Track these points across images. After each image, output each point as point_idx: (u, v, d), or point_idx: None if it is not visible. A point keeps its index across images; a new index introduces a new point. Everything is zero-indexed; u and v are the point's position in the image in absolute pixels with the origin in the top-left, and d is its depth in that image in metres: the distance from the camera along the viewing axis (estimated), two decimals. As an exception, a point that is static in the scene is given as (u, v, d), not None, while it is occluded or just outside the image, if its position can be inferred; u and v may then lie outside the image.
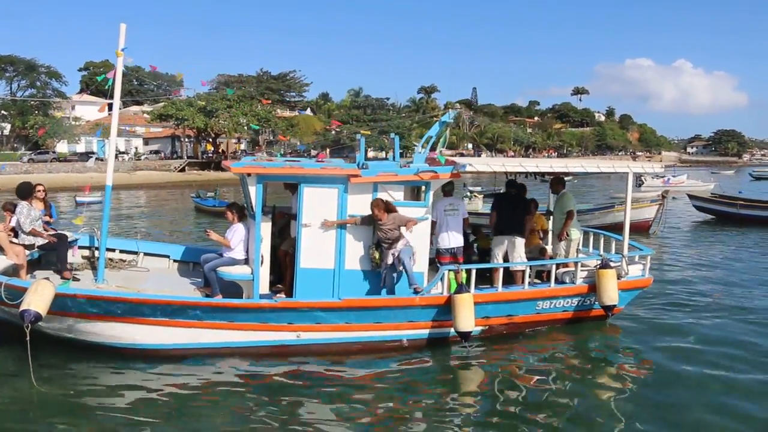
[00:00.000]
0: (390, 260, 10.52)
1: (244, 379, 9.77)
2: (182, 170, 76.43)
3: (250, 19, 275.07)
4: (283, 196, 12.18)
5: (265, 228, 10.76)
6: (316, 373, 9.95)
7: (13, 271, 10.66)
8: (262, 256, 10.64)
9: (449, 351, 10.88)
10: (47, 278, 9.93)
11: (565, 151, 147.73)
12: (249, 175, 10.56)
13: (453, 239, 11.44)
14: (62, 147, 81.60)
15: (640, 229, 25.65)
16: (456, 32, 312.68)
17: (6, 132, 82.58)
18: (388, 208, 10.45)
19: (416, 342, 10.92)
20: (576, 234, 12.25)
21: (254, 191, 10.54)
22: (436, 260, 11.51)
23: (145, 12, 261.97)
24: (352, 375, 9.96)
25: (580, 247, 12.85)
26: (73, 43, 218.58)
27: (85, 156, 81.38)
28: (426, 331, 10.92)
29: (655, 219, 26.77)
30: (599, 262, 11.65)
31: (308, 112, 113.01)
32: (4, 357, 10.26)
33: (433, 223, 11.20)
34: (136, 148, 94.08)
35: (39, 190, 11.60)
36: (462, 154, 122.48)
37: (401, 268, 10.49)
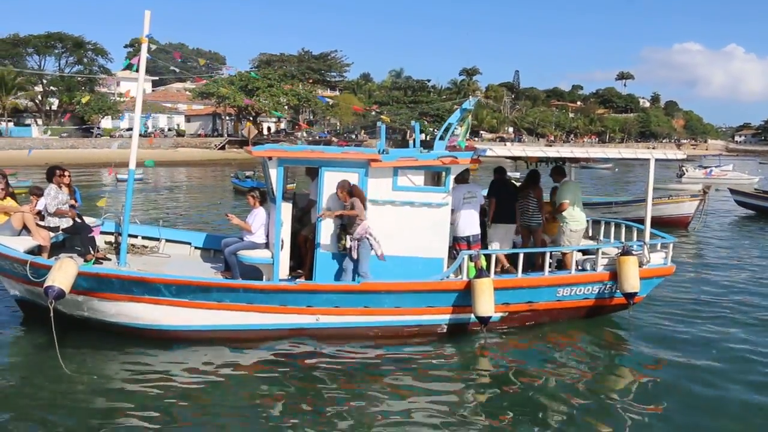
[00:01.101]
0: (349, 244, 10.54)
1: (266, 365, 9.88)
2: (222, 148, 77.29)
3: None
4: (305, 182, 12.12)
5: (286, 212, 10.83)
6: (333, 359, 10.04)
7: (38, 252, 10.91)
8: (282, 241, 10.76)
9: (466, 339, 10.88)
10: (71, 256, 10.14)
11: (607, 137, 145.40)
12: (270, 158, 10.64)
13: (470, 227, 11.45)
14: (107, 123, 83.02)
15: (679, 224, 24.89)
16: (499, 14, 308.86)
17: (54, 107, 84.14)
18: (352, 191, 10.46)
19: (435, 327, 10.99)
20: (576, 225, 11.97)
21: (275, 174, 10.63)
22: (453, 247, 11.45)
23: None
24: (367, 361, 10.01)
25: (600, 236, 12.95)
26: (120, 19, 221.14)
27: (128, 131, 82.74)
28: (446, 317, 10.92)
29: (695, 215, 25.74)
30: (620, 249, 11.50)
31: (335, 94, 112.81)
32: (33, 339, 10.57)
33: (452, 211, 11.16)
34: (178, 125, 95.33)
35: (65, 176, 11.77)
36: (502, 138, 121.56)
37: (355, 254, 10.47)
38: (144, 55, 10.71)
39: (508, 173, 13.05)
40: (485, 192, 12.36)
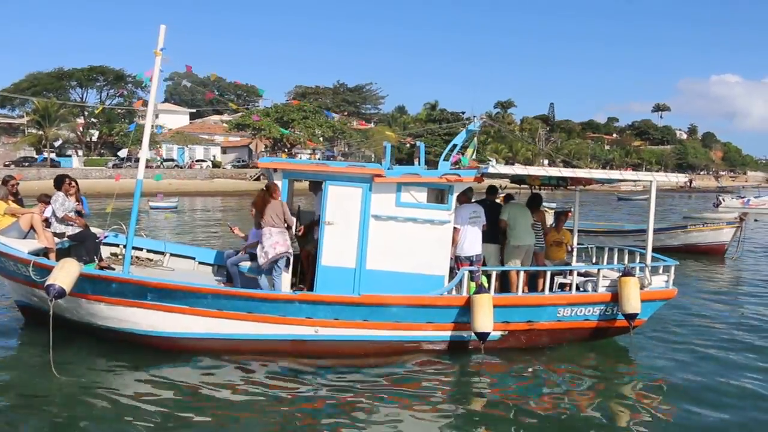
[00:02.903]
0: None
1: (261, 377, 9.85)
2: (258, 179, 77.96)
3: (329, 31, 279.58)
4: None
5: None
6: (330, 373, 10.02)
7: (43, 255, 11.12)
8: None
9: (465, 359, 10.78)
10: (74, 258, 10.34)
11: (643, 168, 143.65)
12: (275, 170, 10.81)
13: (474, 247, 11.41)
14: (149, 155, 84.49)
15: (716, 252, 24.36)
16: (534, 47, 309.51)
17: (94, 138, 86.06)
18: (273, 195, 10.63)
19: (435, 345, 10.92)
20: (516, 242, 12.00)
21: (280, 186, 10.74)
22: (456, 267, 11.38)
23: (223, 23, 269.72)
24: (364, 378, 9.92)
25: (603, 260, 13.11)
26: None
27: (170, 161, 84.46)
28: (446, 333, 10.85)
29: (732, 242, 25.02)
30: (621, 271, 11.39)
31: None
32: (29, 345, 10.79)
33: (456, 230, 11.13)
34: (214, 156, 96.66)
35: (72, 185, 11.99)
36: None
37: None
38: (157, 68, 10.79)
39: (544, 203, 12.99)
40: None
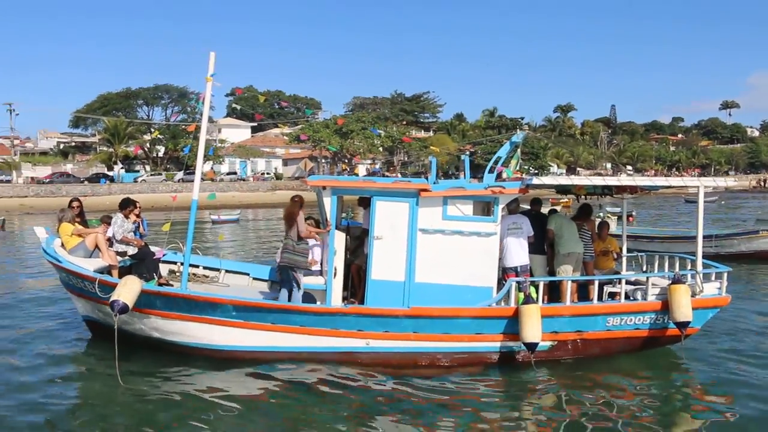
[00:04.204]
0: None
1: (315, 385, 10.10)
2: (319, 190, 78.73)
3: (386, 41, 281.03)
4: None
5: (339, 241, 11.18)
6: (380, 384, 10.18)
7: (106, 272, 11.80)
8: (335, 268, 11.00)
9: (515, 370, 10.76)
10: (135, 276, 11.00)
11: (712, 169, 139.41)
12: (324, 188, 11.08)
13: (517, 257, 11.43)
14: (207, 167, 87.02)
15: None
16: (595, 49, 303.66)
17: (161, 154, 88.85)
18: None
19: (484, 356, 10.95)
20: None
21: (329, 203, 11.00)
22: (503, 279, 11.45)
23: (282, 37, 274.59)
24: (413, 390, 9.99)
25: (655, 268, 12.87)
26: (222, 69, 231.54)
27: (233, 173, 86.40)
28: (495, 344, 10.89)
29: None
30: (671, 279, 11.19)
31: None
32: (97, 356, 11.32)
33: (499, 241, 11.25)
34: (276, 168, 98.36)
35: (136, 207, 12.66)
36: (600, 174, 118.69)
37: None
38: (209, 93, 11.29)
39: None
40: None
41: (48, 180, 75.01)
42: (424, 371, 10.65)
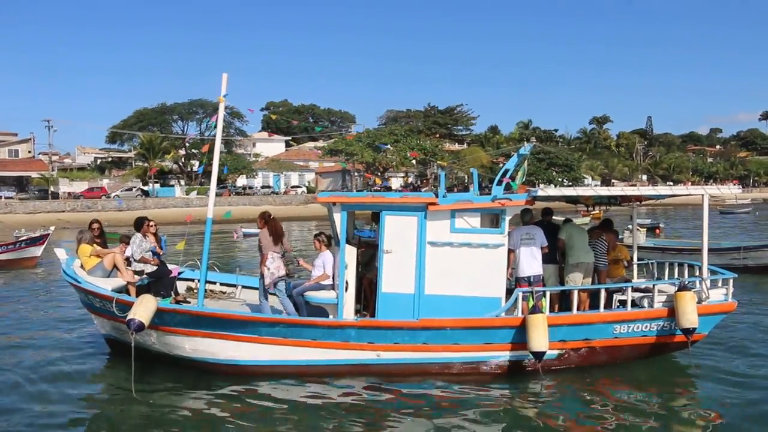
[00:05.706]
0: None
1: (324, 400, 10.25)
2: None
3: (421, 52, 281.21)
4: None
5: (350, 255, 11.36)
6: (389, 395, 10.37)
7: (124, 291, 12.11)
8: (347, 282, 11.15)
9: (523, 380, 10.90)
10: (152, 294, 11.24)
11: (751, 181, 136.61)
12: (334, 204, 11.33)
13: (529, 268, 11.55)
14: (241, 181, 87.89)
15: None
16: (630, 61, 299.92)
17: (195, 168, 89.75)
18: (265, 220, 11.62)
19: (493, 365, 11.13)
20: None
21: (339, 219, 11.21)
22: (515, 288, 11.54)
23: (317, 52, 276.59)
24: (421, 398, 10.23)
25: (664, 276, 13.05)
26: (255, 84, 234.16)
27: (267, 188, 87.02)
28: (503, 354, 11.07)
29: None
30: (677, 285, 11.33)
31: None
32: (114, 371, 11.73)
33: (512, 252, 11.42)
34: (309, 182, 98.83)
35: (150, 225, 12.84)
36: (635, 186, 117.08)
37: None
38: (221, 112, 11.58)
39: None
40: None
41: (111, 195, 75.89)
42: (432, 379, 10.87)
